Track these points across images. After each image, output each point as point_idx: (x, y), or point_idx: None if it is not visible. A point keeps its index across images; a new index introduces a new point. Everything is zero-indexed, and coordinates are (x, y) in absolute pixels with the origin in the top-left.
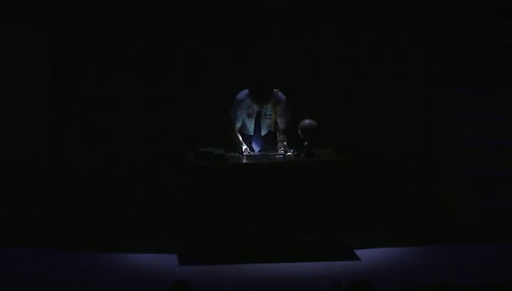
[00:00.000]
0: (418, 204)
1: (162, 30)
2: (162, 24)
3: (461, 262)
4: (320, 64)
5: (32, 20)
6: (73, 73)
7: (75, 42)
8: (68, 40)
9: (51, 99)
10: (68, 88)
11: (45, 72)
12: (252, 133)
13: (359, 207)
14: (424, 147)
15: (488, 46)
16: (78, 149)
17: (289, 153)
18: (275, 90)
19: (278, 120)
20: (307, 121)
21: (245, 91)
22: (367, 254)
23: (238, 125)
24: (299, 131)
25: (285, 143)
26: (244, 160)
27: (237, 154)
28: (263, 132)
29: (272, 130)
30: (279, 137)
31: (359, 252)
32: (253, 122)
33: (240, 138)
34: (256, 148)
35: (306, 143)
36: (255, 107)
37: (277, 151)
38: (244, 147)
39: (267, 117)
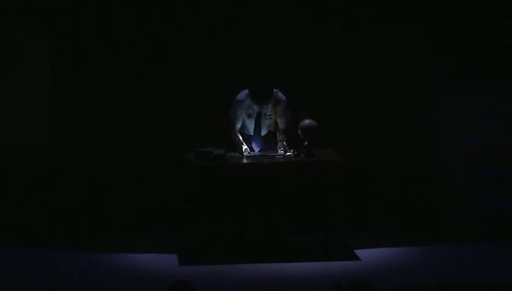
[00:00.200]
0: (418, 204)
1: (162, 30)
2: (162, 24)
3: (461, 262)
4: (320, 64)
5: (32, 20)
6: (73, 73)
7: (75, 42)
8: (68, 40)
9: (51, 99)
10: (68, 88)
11: (45, 72)
12: (252, 133)
13: (359, 207)
14: (424, 147)
15: (488, 46)
16: (78, 149)
17: (289, 153)
18: (275, 90)
19: (278, 120)
20: (307, 121)
21: (246, 91)
22: (367, 254)
23: (238, 125)
24: (299, 131)
25: (285, 143)
26: (244, 160)
27: (237, 154)
28: (263, 132)
29: (272, 130)
30: (279, 137)
31: (359, 252)
32: (253, 122)
33: (240, 138)
34: (256, 148)
35: (306, 143)
36: (255, 107)
37: (277, 151)
38: (245, 147)
39: (267, 117)
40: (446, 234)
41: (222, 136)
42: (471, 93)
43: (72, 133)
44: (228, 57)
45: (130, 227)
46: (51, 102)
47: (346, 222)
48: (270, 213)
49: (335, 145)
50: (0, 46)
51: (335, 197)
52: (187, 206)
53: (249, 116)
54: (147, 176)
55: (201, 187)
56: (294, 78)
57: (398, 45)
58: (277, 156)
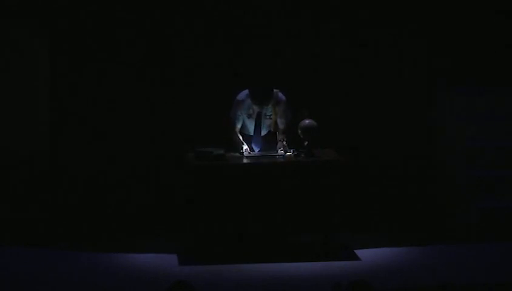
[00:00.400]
0: (418, 204)
1: (162, 30)
2: (162, 24)
3: (461, 262)
4: (320, 64)
5: (32, 20)
6: (73, 73)
7: (75, 42)
8: (68, 40)
9: (51, 99)
10: (68, 88)
11: (45, 72)
12: (252, 133)
13: (359, 207)
14: (424, 147)
15: (488, 46)
16: (78, 149)
17: (289, 153)
18: (275, 90)
19: (278, 120)
20: (307, 121)
21: (246, 91)
22: (367, 254)
23: (238, 125)
24: (299, 131)
25: (285, 143)
26: (244, 160)
27: (237, 154)
28: (263, 132)
29: (272, 130)
30: (279, 137)
31: (359, 252)
32: (253, 122)
33: (241, 138)
34: (256, 148)
35: (306, 143)
36: (255, 108)
37: (277, 151)
38: (245, 147)
39: (267, 117)
40: (446, 234)
41: (222, 136)
42: (471, 93)
43: (72, 133)
44: (228, 57)
45: (130, 227)
46: (51, 102)
47: (346, 222)
48: (270, 213)
49: (335, 145)
50: (0, 46)
51: (335, 197)
52: (187, 206)
53: (249, 116)
54: (147, 176)
55: (201, 187)
56: (294, 78)
57: (398, 45)
58: (277, 156)
